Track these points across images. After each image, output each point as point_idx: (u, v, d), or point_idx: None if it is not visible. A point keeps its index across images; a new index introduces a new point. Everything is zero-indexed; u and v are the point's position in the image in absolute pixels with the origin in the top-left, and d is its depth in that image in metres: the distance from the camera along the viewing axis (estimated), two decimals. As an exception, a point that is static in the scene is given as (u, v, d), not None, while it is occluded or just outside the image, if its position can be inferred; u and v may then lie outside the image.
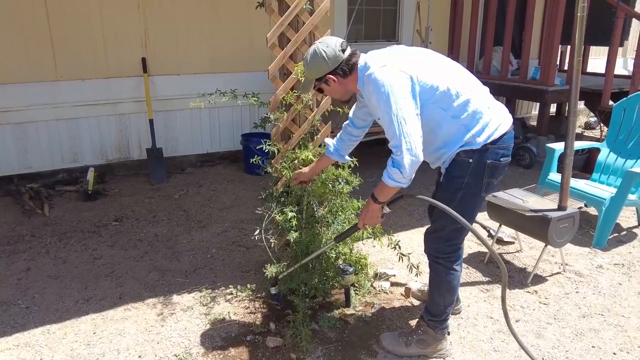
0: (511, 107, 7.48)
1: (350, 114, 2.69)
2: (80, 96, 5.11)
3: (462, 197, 2.32)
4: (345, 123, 2.74)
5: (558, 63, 6.97)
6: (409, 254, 2.95)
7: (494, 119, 2.27)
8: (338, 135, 2.77)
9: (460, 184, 2.32)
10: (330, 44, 2.26)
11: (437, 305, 2.54)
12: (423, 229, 3.86)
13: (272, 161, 2.97)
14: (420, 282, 3.17)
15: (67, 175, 5.21)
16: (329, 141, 2.79)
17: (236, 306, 3.03)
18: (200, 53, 5.56)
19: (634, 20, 6.80)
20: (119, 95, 5.29)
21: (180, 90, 5.44)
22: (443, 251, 2.46)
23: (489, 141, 2.25)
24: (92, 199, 4.77)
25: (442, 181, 2.43)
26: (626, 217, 4.34)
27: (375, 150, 4.12)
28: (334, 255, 2.90)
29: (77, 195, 4.87)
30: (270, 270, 2.86)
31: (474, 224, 2.42)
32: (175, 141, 5.69)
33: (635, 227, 4.21)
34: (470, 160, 2.26)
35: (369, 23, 6.67)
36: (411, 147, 2.10)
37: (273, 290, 2.92)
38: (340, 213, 3.03)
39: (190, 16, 5.41)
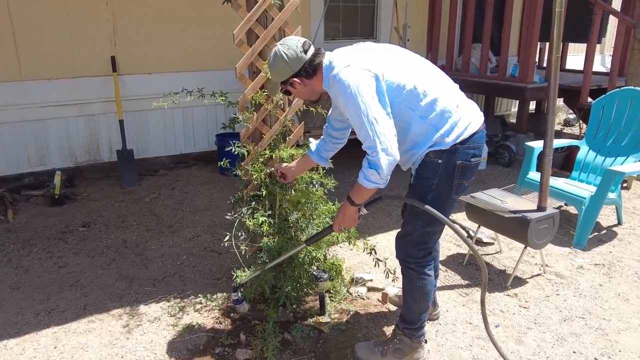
0: (490, 104, 7.45)
1: (329, 117, 2.58)
2: (46, 97, 4.91)
3: (433, 199, 2.22)
4: (325, 125, 2.63)
5: (537, 60, 6.95)
6: (386, 259, 2.85)
7: (463, 118, 2.18)
8: (321, 137, 2.65)
9: (430, 186, 2.23)
10: (292, 45, 2.15)
11: (412, 312, 2.44)
12: (401, 231, 3.79)
13: (242, 163, 2.84)
14: (398, 286, 3.06)
15: (33, 179, 5.01)
16: (312, 142, 2.67)
17: (205, 316, 2.90)
18: (172, 51, 5.39)
19: (611, 17, 6.80)
20: (88, 96, 5.10)
21: (152, 89, 5.25)
22: (414, 256, 2.36)
23: (458, 141, 2.16)
24: (60, 204, 4.59)
25: (412, 183, 2.34)
26: (606, 216, 4.30)
27: (353, 151, 4.01)
28: (307, 262, 2.78)
29: (43, 200, 4.68)
30: (240, 275, 2.73)
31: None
32: (147, 142, 5.52)
33: (615, 225, 4.17)
34: (440, 161, 2.17)
35: (347, 20, 6.56)
36: (386, 147, 2.01)
37: (235, 296, 2.77)
38: (314, 217, 2.91)
39: (161, 12, 5.24)
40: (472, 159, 2.21)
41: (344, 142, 2.65)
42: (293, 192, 2.78)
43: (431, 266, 2.42)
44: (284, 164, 2.71)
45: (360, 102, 2.00)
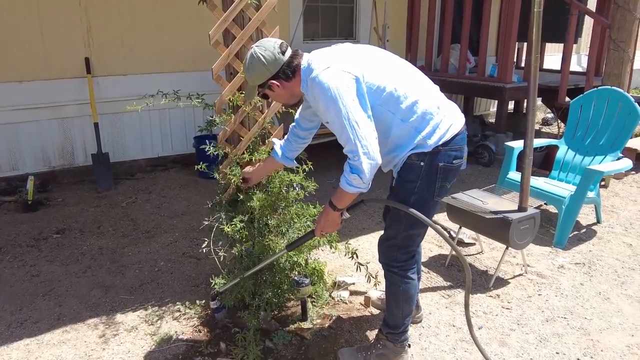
0: (469, 104, 7.48)
1: (297, 115, 2.54)
2: (18, 99, 4.77)
3: (415, 202, 2.19)
4: (291, 125, 2.58)
5: (515, 60, 6.99)
6: (367, 263, 2.80)
7: (444, 120, 2.15)
8: (285, 137, 2.60)
9: (412, 189, 2.19)
10: (268, 47, 2.10)
11: (395, 317, 2.40)
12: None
13: (220, 166, 2.78)
14: (380, 290, 3.03)
15: (5, 184, 4.86)
16: (276, 142, 2.61)
17: (184, 324, 2.82)
18: (148, 52, 5.28)
19: (586, 17, 6.88)
20: (61, 98, 4.96)
21: (128, 91, 5.15)
22: (397, 259, 2.32)
23: (440, 143, 2.13)
24: (33, 210, 4.45)
25: (394, 185, 2.30)
26: (585, 214, 4.32)
27: (334, 152, 3.96)
28: (288, 267, 2.72)
29: (16, 206, 4.53)
30: (218, 283, 2.66)
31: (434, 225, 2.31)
32: (124, 145, 5.40)
33: (594, 224, 4.20)
34: (422, 164, 2.14)
35: (326, 20, 6.52)
36: (368, 151, 1.97)
37: (213, 304, 2.71)
38: (295, 220, 2.86)
39: (136, 12, 5.13)
40: (454, 161, 2.18)
41: (309, 141, 2.61)
42: (262, 195, 2.71)
43: (414, 269, 2.38)
44: (246, 168, 2.65)
45: (340, 105, 1.96)
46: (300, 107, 2.48)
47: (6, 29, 4.59)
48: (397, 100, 2.08)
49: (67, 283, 3.30)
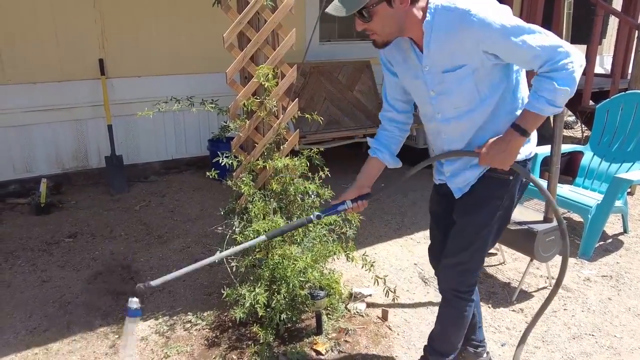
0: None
1: (389, 99, 2.07)
2: (31, 101, 4.72)
3: (499, 222, 1.90)
4: (383, 114, 2.10)
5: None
6: (385, 276, 2.70)
7: (535, 132, 1.87)
8: (380, 134, 2.12)
9: (497, 207, 1.89)
10: None
11: (451, 343, 2.17)
12: (400, 240, 3.63)
13: (234, 174, 2.69)
14: (398, 303, 2.91)
15: (19, 186, 4.82)
16: (373, 142, 2.10)
17: (196, 335, 2.73)
18: (162, 53, 5.21)
19: (611, 18, 6.69)
20: (75, 100, 4.92)
21: (142, 93, 5.08)
22: (469, 284, 2.05)
23: (531, 156, 1.90)
24: (45, 213, 4.41)
25: (466, 199, 1.96)
26: (610, 224, 4.16)
27: (349, 156, 3.86)
28: (303, 282, 2.60)
29: (29, 209, 4.49)
30: (230, 294, 2.57)
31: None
32: (137, 147, 5.34)
33: (621, 234, 4.03)
34: (511, 178, 1.85)
35: (342, 21, 6.40)
36: (570, 50, 1.58)
37: (134, 305, 1.79)
38: (310, 229, 2.76)
39: (151, 14, 5.07)
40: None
41: (408, 130, 2.13)
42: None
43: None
44: (360, 202, 2.07)
45: (515, 22, 1.60)
46: (387, 90, 2.07)
47: (20, 29, 4.56)
48: (518, 83, 1.78)
49: (77, 289, 3.24)
